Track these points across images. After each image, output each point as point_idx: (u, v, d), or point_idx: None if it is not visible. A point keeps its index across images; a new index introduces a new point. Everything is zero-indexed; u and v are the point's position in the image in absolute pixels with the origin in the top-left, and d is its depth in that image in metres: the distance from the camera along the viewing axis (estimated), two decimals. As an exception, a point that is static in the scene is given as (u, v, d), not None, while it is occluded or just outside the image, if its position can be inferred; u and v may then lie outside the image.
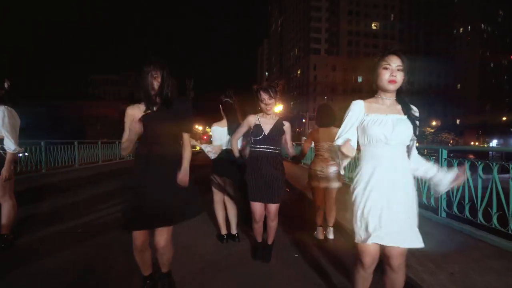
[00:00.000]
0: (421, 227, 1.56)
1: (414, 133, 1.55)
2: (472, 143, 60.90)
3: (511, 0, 70.68)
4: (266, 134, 2.48)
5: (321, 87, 64.23)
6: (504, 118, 69.46)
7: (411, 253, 1.72)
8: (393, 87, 1.52)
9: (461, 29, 73.40)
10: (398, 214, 1.45)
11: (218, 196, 3.16)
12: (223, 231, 3.17)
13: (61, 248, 2.88)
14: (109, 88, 70.61)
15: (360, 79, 65.81)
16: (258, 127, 2.49)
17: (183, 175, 1.93)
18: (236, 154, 2.71)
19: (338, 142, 1.55)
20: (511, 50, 73.25)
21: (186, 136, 2.06)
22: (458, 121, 65.42)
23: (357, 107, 1.60)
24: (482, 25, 70.89)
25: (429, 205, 3.57)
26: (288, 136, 2.60)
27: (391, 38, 68.06)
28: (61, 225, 3.65)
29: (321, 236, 3.24)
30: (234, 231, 3.16)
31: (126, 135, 1.84)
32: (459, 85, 70.58)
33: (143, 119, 1.79)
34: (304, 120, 53.26)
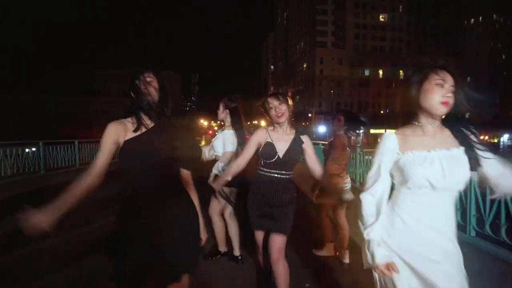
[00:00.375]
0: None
1: (473, 169, 1.16)
2: (481, 137, 60.18)
3: (524, -10, 69.69)
4: (280, 157, 1.99)
5: (327, 81, 64.23)
6: (515, 112, 69.22)
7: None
8: (445, 110, 1.17)
9: (472, 20, 72.94)
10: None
11: (216, 206, 2.81)
12: (222, 247, 2.86)
13: (46, 271, 2.60)
14: (113, 85, 71.31)
15: (367, 73, 66.39)
16: (270, 147, 2.00)
17: (204, 236, 1.60)
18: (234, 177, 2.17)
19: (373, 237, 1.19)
20: (524, 41, 72.55)
21: (187, 175, 1.59)
22: (467, 115, 65.40)
23: (389, 145, 1.23)
24: (494, 15, 70.19)
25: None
26: (311, 154, 2.07)
27: (399, 31, 68.07)
28: (50, 240, 3.34)
29: (330, 253, 2.96)
30: (237, 252, 2.82)
31: (99, 160, 1.33)
32: (468, 78, 69.95)
33: (128, 143, 1.34)
34: (310, 115, 53.08)
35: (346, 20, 66.23)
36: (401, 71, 62.19)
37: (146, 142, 1.32)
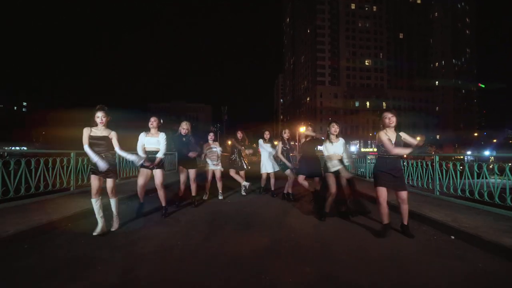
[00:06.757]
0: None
1: None
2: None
3: (474, 41, 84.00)
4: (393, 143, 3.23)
5: (326, 111, 73.27)
6: (475, 134, 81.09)
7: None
8: None
9: (437, 63, 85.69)
10: None
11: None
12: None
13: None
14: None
15: (357, 104, 75.75)
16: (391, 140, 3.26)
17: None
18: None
19: None
20: (478, 79, 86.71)
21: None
22: (438, 137, 73.79)
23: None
24: (453, 60, 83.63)
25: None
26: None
27: (380, 72, 79.18)
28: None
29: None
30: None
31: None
32: (437, 108, 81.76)
33: None
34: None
35: (339, 65, 77.22)
36: (384, 102, 72.88)
37: None
